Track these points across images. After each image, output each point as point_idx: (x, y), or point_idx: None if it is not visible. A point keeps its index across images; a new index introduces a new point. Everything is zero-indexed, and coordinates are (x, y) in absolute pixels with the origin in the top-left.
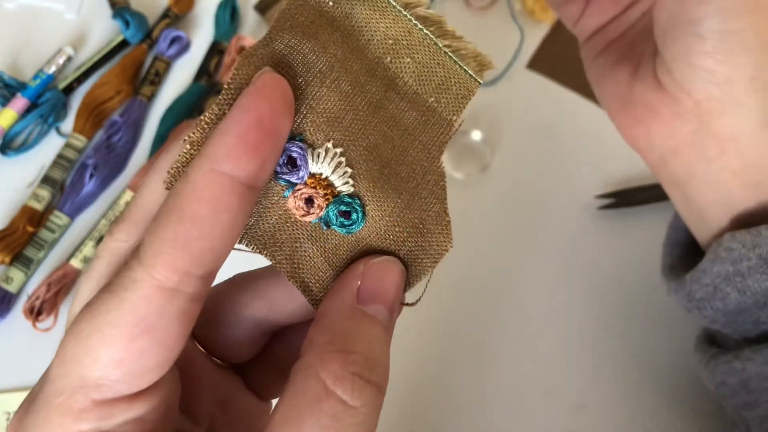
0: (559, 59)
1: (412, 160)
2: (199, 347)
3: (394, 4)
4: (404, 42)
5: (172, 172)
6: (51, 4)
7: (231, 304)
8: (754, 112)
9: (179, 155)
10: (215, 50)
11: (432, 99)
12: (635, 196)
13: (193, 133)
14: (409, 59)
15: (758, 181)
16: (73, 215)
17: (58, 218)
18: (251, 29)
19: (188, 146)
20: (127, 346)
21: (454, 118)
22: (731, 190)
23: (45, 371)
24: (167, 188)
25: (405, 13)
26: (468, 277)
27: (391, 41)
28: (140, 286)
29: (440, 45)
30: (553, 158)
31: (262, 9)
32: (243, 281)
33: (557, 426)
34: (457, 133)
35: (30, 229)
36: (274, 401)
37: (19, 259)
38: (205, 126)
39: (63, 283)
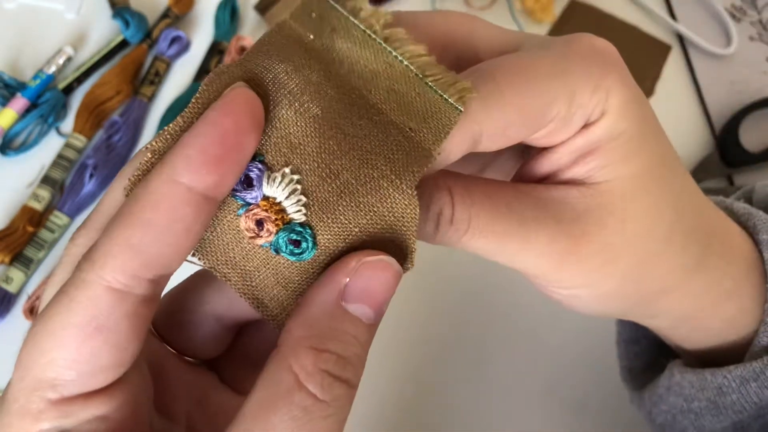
0: None
1: (380, 189)
2: (168, 347)
3: (375, 37)
4: (384, 74)
5: (132, 179)
6: (51, 4)
7: (193, 301)
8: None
9: (140, 163)
10: (215, 50)
11: (409, 129)
12: None
13: (156, 143)
14: (388, 91)
15: (686, 336)
16: (73, 215)
17: (58, 218)
18: (251, 29)
19: (149, 155)
20: (79, 346)
21: (434, 147)
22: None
23: (7, 382)
24: (126, 195)
25: (385, 45)
26: (467, 276)
27: (371, 73)
28: (90, 286)
29: (421, 76)
30: None
31: (262, 9)
32: (203, 279)
33: (557, 426)
34: None
35: (30, 229)
36: None
37: (19, 259)
38: (168, 137)
39: None
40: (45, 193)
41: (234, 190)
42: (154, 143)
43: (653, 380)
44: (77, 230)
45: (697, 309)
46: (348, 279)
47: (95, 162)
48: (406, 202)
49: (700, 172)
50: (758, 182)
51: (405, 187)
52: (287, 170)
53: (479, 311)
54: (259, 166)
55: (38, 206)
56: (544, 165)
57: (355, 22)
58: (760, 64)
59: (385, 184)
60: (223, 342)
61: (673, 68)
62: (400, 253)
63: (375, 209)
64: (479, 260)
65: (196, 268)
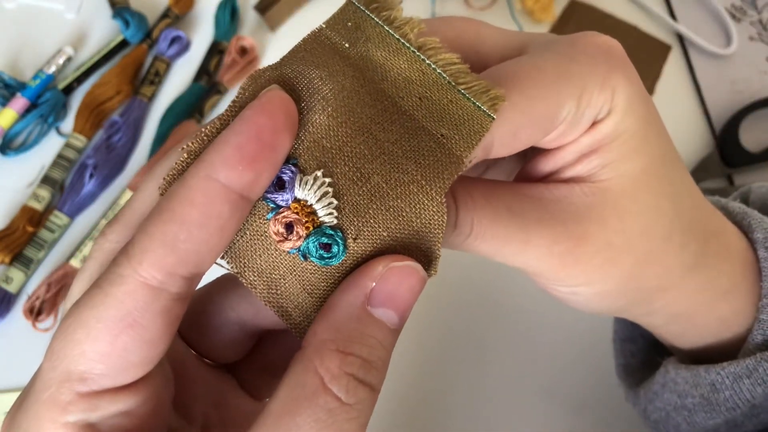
0: None
1: (410, 194)
2: (189, 348)
3: (409, 46)
4: (417, 81)
5: (168, 178)
6: (51, 4)
7: (218, 306)
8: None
9: (176, 163)
10: (215, 50)
11: (441, 136)
12: None
13: (192, 143)
14: (420, 98)
15: (681, 333)
16: (73, 215)
17: (58, 218)
18: (251, 29)
19: (185, 155)
20: (112, 340)
21: (465, 154)
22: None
23: (36, 371)
24: (161, 194)
25: (419, 54)
26: (467, 276)
27: (404, 81)
28: (126, 281)
29: (453, 83)
30: None
31: (262, 9)
32: (228, 284)
33: (557, 426)
34: None
35: (30, 229)
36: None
37: (19, 259)
38: (204, 138)
39: (63, 283)
40: (45, 193)
41: (266, 192)
42: (190, 144)
43: (649, 378)
44: (108, 225)
45: (693, 307)
46: (374, 283)
47: (95, 162)
48: (435, 209)
49: (700, 172)
50: (754, 183)
51: (435, 194)
52: (319, 173)
53: (479, 311)
54: (292, 168)
55: (38, 206)
56: (547, 164)
57: (390, 31)
58: (760, 64)
59: (415, 189)
60: (244, 347)
61: (673, 68)
62: (425, 258)
63: (404, 214)
64: (479, 260)
65: (221, 272)
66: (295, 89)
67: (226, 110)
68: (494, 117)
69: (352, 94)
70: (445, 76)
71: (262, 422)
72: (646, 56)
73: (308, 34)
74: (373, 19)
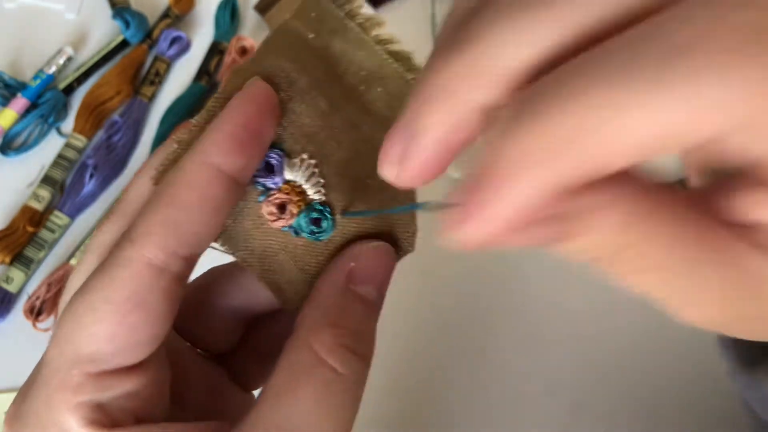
0: None
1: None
2: (182, 339)
3: (368, 39)
4: (377, 74)
5: (160, 168)
6: (51, 4)
7: (209, 295)
8: None
9: (167, 154)
10: (215, 50)
11: None
12: None
13: (182, 134)
14: (381, 89)
15: None
16: (73, 215)
17: (58, 218)
18: (251, 29)
19: (176, 145)
20: (121, 320)
21: None
22: None
23: (39, 361)
24: (154, 184)
25: (377, 48)
26: (467, 276)
27: (364, 72)
28: (131, 263)
29: (408, 78)
30: None
31: (262, 9)
32: (219, 273)
33: (556, 426)
34: None
35: (30, 229)
36: (256, 392)
37: (19, 259)
38: (194, 129)
39: (63, 283)
40: (45, 193)
41: (256, 177)
42: (180, 135)
43: None
44: (103, 220)
45: None
46: (353, 263)
47: (95, 162)
48: (405, 189)
49: None
50: None
51: None
52: (305, 156)
53: (478, 310)
54: (279, 153)
55: (38, 206)
56: (745, 206)
57: (352, 24)
58: None
59: None
60: (235, 335)
61: None
62: (405, 234)
63: (379, 192)
64: (479, 260)
65: (213, 264)
66: (274, 81)
67: (212, 102)
68: None
69: (324, 84)
70: (400, 70)
71: (262, 402)
72: None
73: (278, 27)
74: (335, 11)
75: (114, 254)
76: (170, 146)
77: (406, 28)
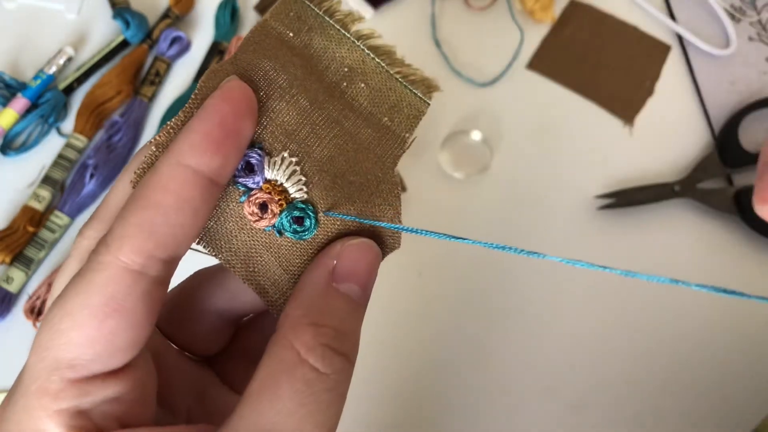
0: (559, 59)
1: (367, 171)
2: (169, 343)
3: (348, 35)
4: (359, 69)
5: (138, 171)
6: (51, 4)
7: (194, 298)
8: None
9: (145, 156)
10: (215, 50)
11: (386, 119)
12: (635, 196)
13: (159, 136)
14: (363, 84)
15: None
16: (73, 215)
17: (59, 218)
18: None
19: (153, 148)
20: (98, 326)
21: (407, 135)
22: None
23: (23, 365)
24: (133, 187)
25: (358, 43)
26: (467, 276)
27: (346, 68)
28: (107, 267)
29: (391, 72)
30: (553, 158)
31: (262, 9)
32: (204, 276)
33: (557, 426)
34: (457, 134)
35: (30, 229)
36: None
37: (19, 259)
38: (171, 130)
39: None
40: (45, 193)
41: (236, 177)
42: (157, 137)
43: None
44: (85, 224)
45: None
46: (335, 261)
47: (96, 162)
48: (389, 182)
49: (699, 173)
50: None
51: (387, 169)
52: (286, 154)
53: (479, 311)
54: (259, 152)
55: (39, 206)
56: None
57: (331, 21)
58: (759, 65)
59: (370, 166)
60: (222, 337)
61: (672, 68)
62: (390, 231)
63: (363, 189)
64: (479, 261)
65: (197, 267)
66: (252, 80)
67: (189, 103)
68: (429, 102)
69: (304, 82)
70: (383, 64)
71: (244, 401)
72: (645, 56)
73: (255, 26)
74: (313, 9)
75: (91, 259)
76: (148, 149)
77: (406, 28)
